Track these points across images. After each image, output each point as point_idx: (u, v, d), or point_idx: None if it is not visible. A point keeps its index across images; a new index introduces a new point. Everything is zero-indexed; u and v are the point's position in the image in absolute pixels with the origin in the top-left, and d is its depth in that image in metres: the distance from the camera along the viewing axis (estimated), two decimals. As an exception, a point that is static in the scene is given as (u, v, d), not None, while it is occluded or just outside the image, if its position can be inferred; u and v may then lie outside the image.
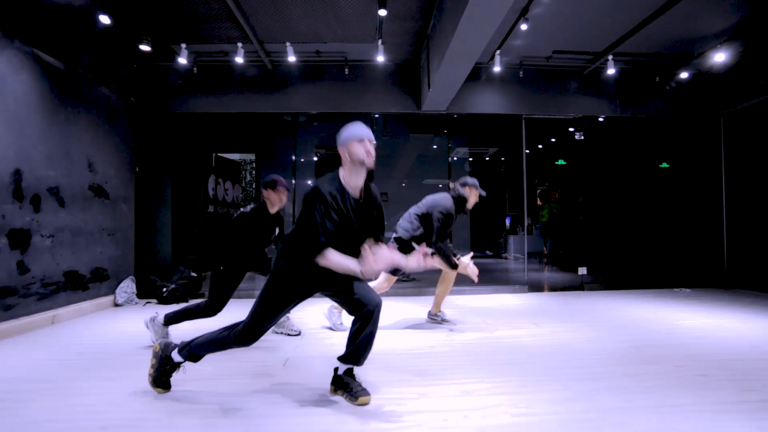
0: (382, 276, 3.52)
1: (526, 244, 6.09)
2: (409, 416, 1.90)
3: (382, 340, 3.16)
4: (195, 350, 2.10)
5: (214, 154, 7.02)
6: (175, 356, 2.13)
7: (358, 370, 2.14)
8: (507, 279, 6.68)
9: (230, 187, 8.21)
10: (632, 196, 6.33)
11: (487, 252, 11.46)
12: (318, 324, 3.72)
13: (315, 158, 9.58)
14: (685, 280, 5.88)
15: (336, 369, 2.15)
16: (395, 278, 3.55)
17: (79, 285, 4.31)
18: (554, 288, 5.80)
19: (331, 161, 9.47)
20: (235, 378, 2.40)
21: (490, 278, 6.83)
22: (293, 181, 6.98)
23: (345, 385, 2.09)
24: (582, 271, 5.91)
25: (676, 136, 6.17)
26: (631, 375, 2.40)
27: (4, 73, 3.43)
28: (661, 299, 4.92)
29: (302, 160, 8.65)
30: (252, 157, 9.48)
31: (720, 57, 5.12)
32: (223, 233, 3.11)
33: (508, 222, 10.54)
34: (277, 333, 3.41)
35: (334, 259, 1.86)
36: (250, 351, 2.76)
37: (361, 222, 2.02)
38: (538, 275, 7.17)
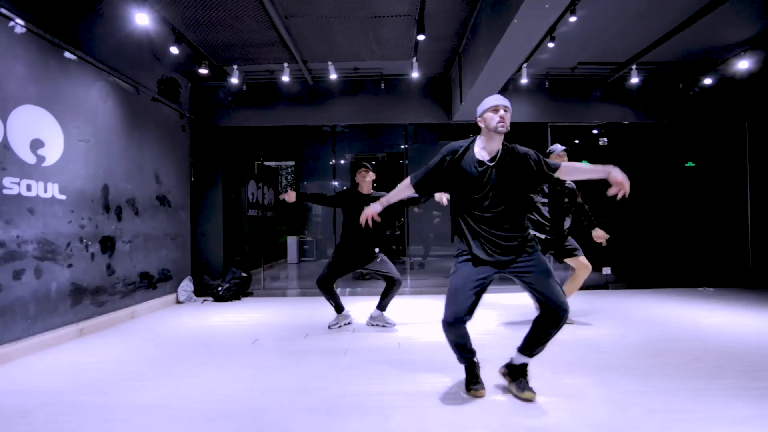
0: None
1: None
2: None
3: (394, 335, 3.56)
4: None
5: (256, 162, 7.55)
6: (520, 359, 2.30)
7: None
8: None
9: (266, 191, 8.81)
10: (657, 197, 6.53)
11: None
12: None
13: (352, 160, 10.12)
14: (710, 279, 6.07)
15: (512, 359, 2.34)
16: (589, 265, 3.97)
17: (150, 284, 4.87)
18: (581, 287, 6.06)
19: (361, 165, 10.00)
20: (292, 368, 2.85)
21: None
22: (333, 183, 7.47)
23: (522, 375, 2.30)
24: (606, 270, 6.17)
25: (701, 139, 6.35)
26: (639, 367, 2.73)
27: (97, 102, 3.97)
28: (684, 298, 5.15)
29: (342, 162, 9.17)
30: (291, 163, 10.09)
31: (743, 64, 5.30)
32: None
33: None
34: (333, 327, 3.92)
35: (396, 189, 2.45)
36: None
37: (496, 181, 2.15)
38: (566, 274, 7.42)
